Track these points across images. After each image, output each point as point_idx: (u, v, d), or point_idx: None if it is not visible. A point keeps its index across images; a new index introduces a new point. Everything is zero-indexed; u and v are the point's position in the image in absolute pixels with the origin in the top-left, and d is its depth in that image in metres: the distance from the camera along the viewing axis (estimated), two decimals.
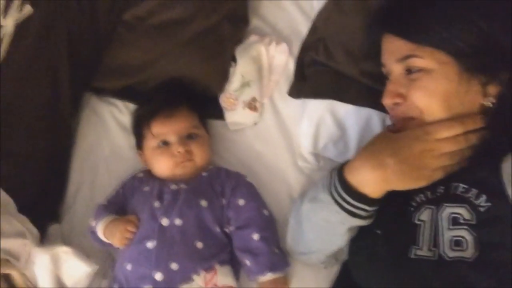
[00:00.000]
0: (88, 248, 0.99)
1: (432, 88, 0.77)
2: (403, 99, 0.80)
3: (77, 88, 1.09)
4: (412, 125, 0.79)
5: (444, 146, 0.75)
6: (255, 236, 0.92)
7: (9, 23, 0.95)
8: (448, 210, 0.73)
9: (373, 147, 0.80)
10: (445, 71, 0.76)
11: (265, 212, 0.97)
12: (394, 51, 0.81)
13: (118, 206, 0.98)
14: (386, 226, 0.80)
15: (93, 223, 0.96)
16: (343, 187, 0.79)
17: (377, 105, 0.96)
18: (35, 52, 1.00)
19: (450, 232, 0.72)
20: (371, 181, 0.77)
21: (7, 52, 0.95)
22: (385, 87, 0.84)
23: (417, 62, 0.78)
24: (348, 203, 0.79)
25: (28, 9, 0.98)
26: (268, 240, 0.92)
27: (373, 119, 0.99)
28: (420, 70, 0.78)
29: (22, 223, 0.90)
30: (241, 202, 0.95)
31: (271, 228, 0.96)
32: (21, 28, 0.97)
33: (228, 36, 1.09)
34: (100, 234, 0.94)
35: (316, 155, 1.03)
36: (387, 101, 0.83)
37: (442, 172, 0.76)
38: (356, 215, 0.79)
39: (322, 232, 0.85)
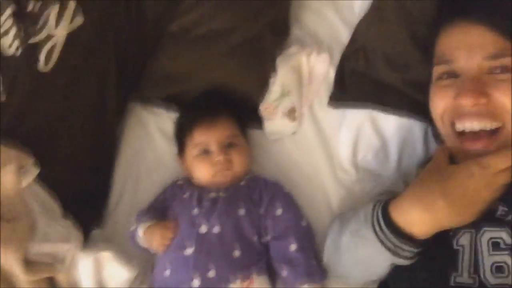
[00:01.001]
0: (129, 253, 0.98)
1: None
2: (488, 99, 0.72)
3: (123, 96, 1.11)
4: (497, 142, 0.72)
5: (502, 179, 0.70)
6: (293, 247, 0.91)
7: (61, 33, 0.99)
8: (488, 235, 0.69)
9: (422, 185, 0.74)
10: None
11: (303, 222, 0.95)
12: (482, 46, 0.73)
13: (159, 212, 0.98)
14: (424, 251, 0.76)
15: (133, 227, 0.97)
16: (388, 226, 0.75)
17: (420, 116, 0.94)
18: (84, 61, 1.03)
19: (491, 257, 0.68)
20: (420, 222, 0.72)
21: (57, 61, 0.98)
22: (454, 86, 0.75)
23: (509, 62, 0.72)
24: (393, 243, 0.75)
25: (79, 18, 1.01)
26: (305, 251, 0.91)
27: (415, 130, 0.96)
28: (508, 70, 0.72)
29: (67, 228, 0.92)
30: (278, 211, 0.94)
31: (309, 239, 0.94)
32: (72, 37, 1.00)
33: (269, 46, 1.09)
34: (140, 238, 0.96)
35: (356, 166, 1.01)
36: (469, 100, 0.72)
37: (492, 202, 0.71)
38: (401, 256, 0.75)
39: (362, 264, 0.82)
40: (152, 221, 0.95)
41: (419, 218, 0.72)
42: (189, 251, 0.90)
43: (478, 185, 0.69)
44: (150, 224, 0.95)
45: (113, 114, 1.08)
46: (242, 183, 1.00)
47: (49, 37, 0.98)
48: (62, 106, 0.99)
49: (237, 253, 0.90)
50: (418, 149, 0.97)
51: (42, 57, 0.96)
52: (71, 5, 0.99)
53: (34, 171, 0.88)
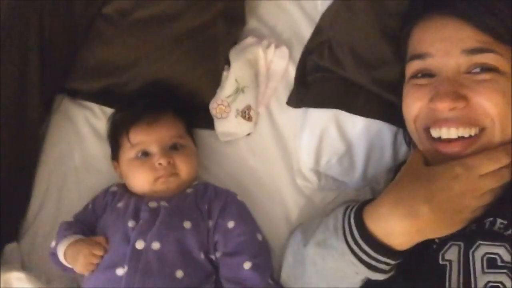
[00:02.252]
0: (49, 272, 0.89)
1: (508, 95, 0.65)
2: (466, 102, 0.66)
3: (49, 88, 0.98)
4: (476, 145, 0.66)
5: (488, 183, 0.64)
6: (247, 265, 0.80)
7: None
8: (483, 250, 0.62)
9: (402, 189, 0.67)
10: None
11: (259, 236, 0.86)
12: (460, 40, 0.67)
13: (85, 225, 0.86)
14: (403, 267, 0.68)
15: (53, 243, 0.84)
16: (363, 237, 0.67)
17: (390, 118, 0.87)
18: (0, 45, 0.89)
19: (485, 276, 0.60)
20: (400, 232, 0.65)
21: None
22: (430, 87, 0.69)
23: (490, 59, 0.66)
24: (368, 255, 0.67)
25: None
26: (261, 270, 0.81)
27: (384, 134, 0.89)
28: (490, 70, 0.66)
29: None
30: (230, 224, 0.84)
31: (265, 256, 0.85)
32: None
33: (222, 35, 0.99)
34: (61, 257, 0.81)
35: (318, 173, 0.92)
36: (445, 104, 0.66)
37: (480, 211, 0.65)
38: (377, 269, 0.68)
39: (330, 279, 0.74)
40: (77, 236, 0.82)
41: (399, 226, 0.65)
42: (121, 271, 0.79)
43: (463, 188, 0.63)
44: (73, 240, 0.81)
45: (35, 108, 0.95)
46: (188, 191, 0.88)
47: None
48: None
49: (179, 273, 0.79)
50: (386, 155, 0.90)
51: None
52: None
53: None
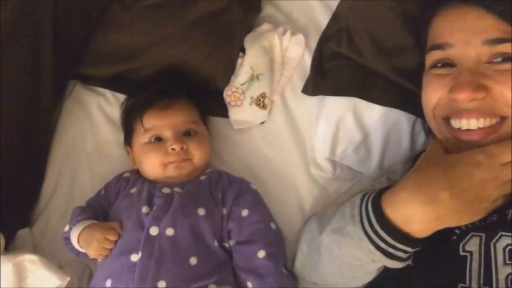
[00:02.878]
0: (61, 257, 0.88)
1: None
2: (487, 93, 0.65)
3: (61, 74, 0.96)
4: (497, 133, 0.65)
5: (510, 172, 0.62)
6: (261, 253, 0.79)
7: None
8: (505, 241, 0.60)
9: (422, 175, 0.65)
10: None
11: (273, 225, 0.84)
12: (481, 30, 0.66)
13: (99, 210, 0.85)
14: (422, 258, 0.67)
15: (67, 228, 0.83)
16: (381, 224, 0.65)
17: (408, 107, 0.85)
18: (13, 29, 0.88)
19: (507, 268, 0.59)
20: (419, 219, 0.63)
21: None
22: (450, 77, 0.68)
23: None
24: (386, 242, 0.65)
25: None
26: (275, 258, 0.80)
27: (402, 123, 0.87)
28: (510, 59, 0.65)
29: None
30: (244, 212, 0.83)
31: (279, 245, 0.83)
32: None
33: (237, 21, 0.96)
34: (74, 241, 0.80)
35: (333, 162, 0.91)
36: (465, 94, 0.65)
37: (501, 201, 0.63)
38: (394, 257, 0.66)
39: (346, 268, 0.72)
40: (90, 221, 0.81)
41: (418, 213, 0.63)
42: (135, 257, 0.77)
43: (485, 176, 0.62)
44: (87, 225, 0.80)
45: (48, 94, 0.94)
46: (202, 177, 0.86)
47: None
48: None
49: (193, 260, 0.77)
50: (403, 145, 0.88)
51: None
52: None
53: None
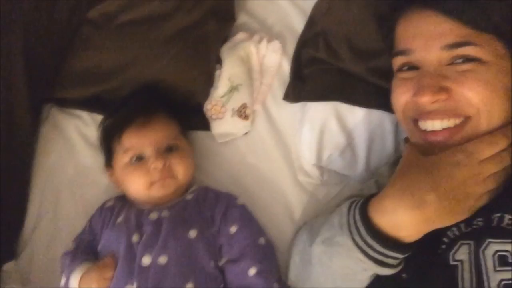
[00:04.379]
0: (51, 285, 0.87)
1: (492, 83, 0.64)
2: (448, 94, 0.67)
3: (36, 96, 0.94)
4: (462, 133, 0.66)
5: (489, 167, 0.63)
6: (251, 271, 0.77)
7: None
8: (494, 248, 0.60)
9: (405, 179, 0.65)
10: (502, 65, 0.65)
11: (261, 240, 0.82)
12: (440, 35, 0.67)
13: (88, 248, 0.83)
14: (413, 269, 0.66)
15: (63, 281, 0.80)
16: (369, 232, 0.65)
17: (389, 107, 0.84)
18: None
19: (498, 274, 0.58)
20: (408, 224, 0.63)
21: None
22: (414, 80, 0.70)
23: (471, 51, 0.66)
24: (375, 250, 0.65)
25: None
26: (266, 275, 0.78)
27: (385, 124, 0.87)
28: (472, 61, 0.66)
29: None
30: (233, 229, 0.81)
31: (269, 259, 0.81)
32: None
33: (212, 33, 0.95)
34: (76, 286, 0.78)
35: (320, 168, 0.90)
36: (427, 97, 0.67)
37: (486, 199, 0.64)
38: (384, 264, 0.66)
39: (338, 278, 0.71)
40: (84, 265, 0.79)
41: (406, 218, 0.63)
42: None
43: (466, 174, 0.63)
44: (83, 271, 0.78)
45: (24, 119, 0.91)
46: (189, 197, 0.85)
47: None
48: None
49: (190, 286, 0.75)
50: (388, 145, 0.88)
51: None
52: None
53: None
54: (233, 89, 0.93)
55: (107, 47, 0.93)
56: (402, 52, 0.72)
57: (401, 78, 0.73)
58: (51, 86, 0.95)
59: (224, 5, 0.98)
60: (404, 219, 0.63)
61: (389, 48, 0.78)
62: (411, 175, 0.65)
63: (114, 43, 0.93)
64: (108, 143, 0.87)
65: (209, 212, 0.82)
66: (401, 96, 0.73)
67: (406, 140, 0.77)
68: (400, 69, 0.74)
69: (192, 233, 0.78)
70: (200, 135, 0.96)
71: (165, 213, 0.81)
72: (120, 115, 0.87)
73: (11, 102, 0.88)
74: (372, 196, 0.69)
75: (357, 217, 0.67)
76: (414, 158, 0.68)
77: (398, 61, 0.74)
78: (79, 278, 0.77)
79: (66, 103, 0.98)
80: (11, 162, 0.89)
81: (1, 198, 0.86)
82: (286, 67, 0.95)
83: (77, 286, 0.77)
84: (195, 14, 0.94)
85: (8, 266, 0.87)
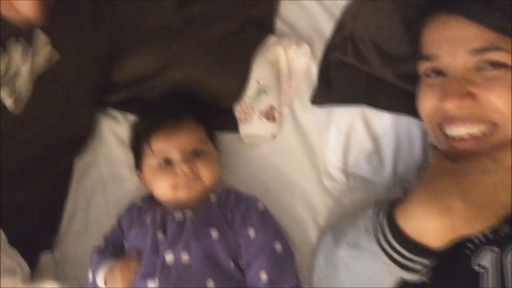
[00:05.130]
0: (81, 280, 0.89)
1: None
2: (474, 100, 0.66)
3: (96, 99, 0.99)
4: (490, 141, 0.65)
5: None
6: (263, 276, 0.77)
7: (30, 71, 0.85)
8: None
9: (433, 186, 0.64)
10: None
11: (277, 246, 0.81)
12: (465, 40, 0.67)
13: (116, 245, 0.86)
14: (437, 275, 0.65)
15: (90, 277, 0.84)
16: (395, 236, 0.65)
17: (417, 113, 0.82)
18: (65, 95, 0.91)
19: None
20: (435, 230, 0.62)
21: (31, 101, 0.85)
22: (440, 86, 0.69)
23: (498, 56, 0.65)
24: (401, 255, 0.64)
25: (54, 54, 0.87)
26: (276, 283, 0.77)
27: (413, 129, 0.85)
28: (499, 66, 0.65)
29: (13, 258, 0.81)
30: (251, 232, 0.82)
31: (283, 266, 0.80)
32: (48, 74, 0.86)
33: (251, 42, 0.96)
34: (102, 282, 0.81)
35: (346, 172, 0.89)
36: (452, 103, 0.67)
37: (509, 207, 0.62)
38: (411, 269, 0.65)
39: (363, 281, 0.71)
40: (109, 261, 0.82)
41: (433, 224, 0.62)
42: (153, 284, 0.77)
43: (494, 182, 0.62)
44: (108, 266, 0.81)
45: (85, 121, 0.98)
46: (213, 199, 0.86)
47: (16, 78, 0.84)
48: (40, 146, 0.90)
49: (211, 284, 0.76)
50: (416, 151, 0.86)
51: (8, 100, 0.83)
52: (41, 41, 0.85)
53: None
54: (261, 91, 0.93)
55: (146, 50, 0.95)
56: (427, 58, 0.72)
57: (427, 83, 0.73)
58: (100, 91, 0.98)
59: (265, 16, 0.99)
60: (430, 226, 0.62)
61: (416, 53, 0.77)
62: (439, 181, 0.64)
63: (152, 45, 0.95)
64: (138, 146, 0.90)
65: (230, 213, 0.83)
66: (427, 102, 0.72)
67: (434, 147, 0.76)
68: (426, 75, 0.73)
69: (214, 234, 0.80)
70: (227, 136, 0.97)
71: (189, 214, 0.83)
72: (149, 119, 0.89)
73: (77, 102, 0.93)
74: (398, 200, 0.68)
75: (384, 221, 0.67)
76: (442, 165, 0.67)
77: (424, 67, 0.73)
78: (105, 272, 0.80)
79: (101, 103, 1.00)
80: (63, 156, 0.94)
81: (44, 198, 0.91)
82: (314, 70, 0.95)
83: (102, 280, 0.80)
84: (235, 22, 0.96)
85: (46, 257, 0.92)
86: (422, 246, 0.63)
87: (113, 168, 0.98)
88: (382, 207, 0.69)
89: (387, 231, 0.66)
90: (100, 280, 0.81)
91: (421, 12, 0.76)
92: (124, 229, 0.87)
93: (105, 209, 0.94)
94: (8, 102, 0.82)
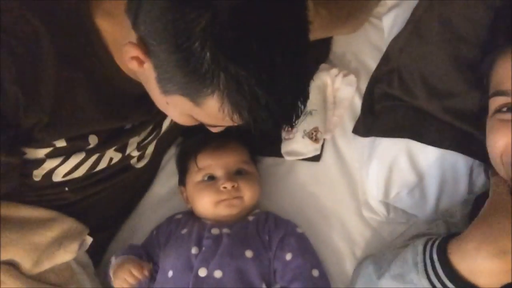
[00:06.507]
0: None
1: None
2: None
3: None
4: None
5: None
6: None
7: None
8: None
9: (490, 223, 0.62)
10: None
11: (315, 272, 0.81)
12: None
13: (148, 251, 0.88)
14: None
15: (111, 260, 0.87)
16: (448, 274, 0.62)
17: (465, 149, 0.82)
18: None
19: None
20: (488, 271, 0.59)
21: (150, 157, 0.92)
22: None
23: None
24: None
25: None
26: None
27: (459, 165, 0.83)
28: None
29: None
30: (288, 256, 0.82)
31: None
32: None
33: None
34: (111, 270, 0.84)
35: (386, 205, 0.88)
36: None
37: None
38: None
39: None
40: (131, 257, 0.84)
41: (487, 265, 0.59)
42: None
43: None
44: (126, 258, 0.84)
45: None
46: (250, 218, 0.87)
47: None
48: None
49: None
50: (461, 188, 0.84)
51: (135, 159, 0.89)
52: None
53: (88, 241, 0.85)
54: (307, 113, 0.94)
55: None
56: (502, 93, 0.68)
57: (500, 119, 0.69)
58: None
59: (322, 48, 1.01)
60: (484, 266, 0.59)
61: (482, 89, 0.75)
62: (497, 219, 0.61)
63: None
64: (184, 162, 0.92)
65: (267, 236, 0.83)
66: (501, 138, 0.68)
67: (496, 180, 0.71)
68: (499, 110, 0.69)
69: (248, 254, 0.80)
70: (267, 161, 0.98)
71: (226, 230, 0.84)
72: (197, 137, 0.92)
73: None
74: (450, 236, 0.66)
75: (435, 257, 0.64)
76: (501, 201, 0.64)
77: (497, 102, 0.69)
78: (119, 262, 0.82)
79: None
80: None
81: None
82: (358, 102, 0.96)
83: (112, 269, 0.83)
84: None
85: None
86: (473, 285, 0.61)
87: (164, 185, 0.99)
88: (433, 242, 0.67)
89: (438, 266, 0.64)
90: (112, 266, 0.83)
91: (483, 51, 0.75)
92: (160, 239, 0.88)
93: (148, 226, 0.95)
94: (134, 161, 0.88)
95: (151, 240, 0.90)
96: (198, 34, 0.54)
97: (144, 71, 0.63)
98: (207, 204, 0.86)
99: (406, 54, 0.87)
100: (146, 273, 0.81)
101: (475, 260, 0.60)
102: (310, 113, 0.94)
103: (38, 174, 0.76)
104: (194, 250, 0.81)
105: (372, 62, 0.98)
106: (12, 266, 0.78)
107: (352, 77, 0.96)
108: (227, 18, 0.53)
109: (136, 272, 0.80)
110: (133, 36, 0.62)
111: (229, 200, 0.85)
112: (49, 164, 0.75)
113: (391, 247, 0.79)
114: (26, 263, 0.77)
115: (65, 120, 0.70)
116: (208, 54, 0.54)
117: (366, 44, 1.01)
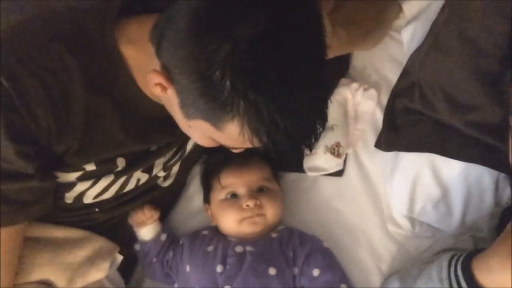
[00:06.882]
0: None
1: None
2: None
3: None
4: None
5: None
6: None
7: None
8: None
9: None
10: None
11: (343, 286, 0.82)
12: None
13: (170, 247, 0.92)
14: None
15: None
16: None
17: (489, 162, 0.80)
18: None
19: None
20: None
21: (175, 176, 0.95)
22: None
23: None
24: None
25: None
26: None
27: (484, 179, 0.82)
28: None
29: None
30: (315, 272, 0.82)
31: None
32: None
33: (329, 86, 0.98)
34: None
35: (411, 219, 0.87)
36: None
37: None
38: None
39: None
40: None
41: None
42: None
43: None
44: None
45: None
46: (274, 235, 0.88)
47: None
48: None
49: None
50: (487, 201, 0.83)
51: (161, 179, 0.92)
52: None
53: (119, 259, 0.90)
54: (328, 128, 0.94)
55: None
56: None
57: None
58: None
59: (342, 63, 1.01)
60: (508, 282, 0.59)
61: (504, 104, 0.74)
62: None
63: None
64: (208, 180, 0.94)
65: (292, 252, 0.84)
66: None
67: None
68: None
69: (272, 271, 0.81)
70: (290, 177, 0.98)
71: (249, 248, 0.85)
72: (220, 156, 0.93)
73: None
74: (475, 252, 0.66)
75: (459, 273, 0.65)
76: None
77: None
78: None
79: None
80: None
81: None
82: (379, 116, 0.96)
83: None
84: None
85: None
86: None
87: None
88: (458, 258, 0.67)
89: (462, 281, 0.64)
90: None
91: (503, 62, 0.74)
92: (184, 251, 0.89)
93: None
94: (161, 180, 0.91)
95: (176, 245, 0.92)
96: (218, 63, 0.56)
97: (167, 97, 0.65)
98: (230, 222, 0.88)
99: (426, 68, 0.87)
100: (151, 215, 0.88)
101: (500, 275, 0.60)
102: (332, 128, 0.95)
103: (69, 196, 0.79)
104: (219, 268, 0.83)
105: (392, 75, 0.98)
106: (47, 285, 0.81)
107: (372, 91, 0.97)
108: (246, 48, 0.55)
109: (148, 209, 0.87)
110: (156, 63, 0.64)
111: (252, 218, 0.86)
112: (80, 187, 0.78)
113: (417, 262, 0.79)
114: (60, 282, 0.80)
115: (94, 145, 0.73)
116: (228, 82, 0.56)
117: (386, 57, 1.01)
